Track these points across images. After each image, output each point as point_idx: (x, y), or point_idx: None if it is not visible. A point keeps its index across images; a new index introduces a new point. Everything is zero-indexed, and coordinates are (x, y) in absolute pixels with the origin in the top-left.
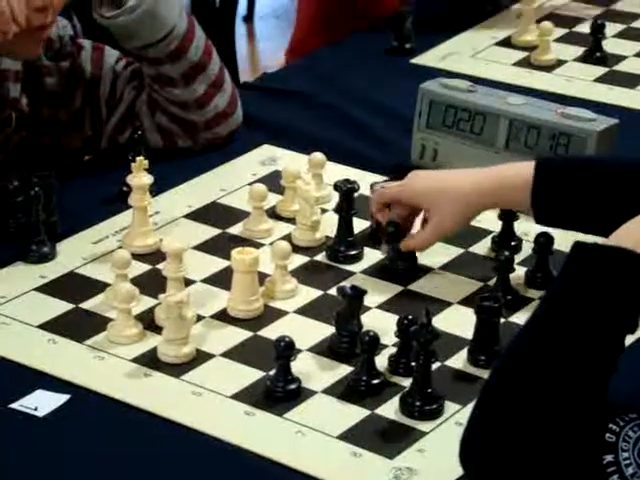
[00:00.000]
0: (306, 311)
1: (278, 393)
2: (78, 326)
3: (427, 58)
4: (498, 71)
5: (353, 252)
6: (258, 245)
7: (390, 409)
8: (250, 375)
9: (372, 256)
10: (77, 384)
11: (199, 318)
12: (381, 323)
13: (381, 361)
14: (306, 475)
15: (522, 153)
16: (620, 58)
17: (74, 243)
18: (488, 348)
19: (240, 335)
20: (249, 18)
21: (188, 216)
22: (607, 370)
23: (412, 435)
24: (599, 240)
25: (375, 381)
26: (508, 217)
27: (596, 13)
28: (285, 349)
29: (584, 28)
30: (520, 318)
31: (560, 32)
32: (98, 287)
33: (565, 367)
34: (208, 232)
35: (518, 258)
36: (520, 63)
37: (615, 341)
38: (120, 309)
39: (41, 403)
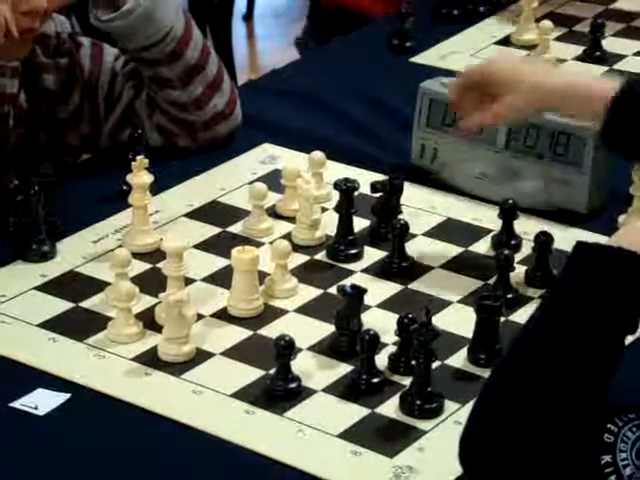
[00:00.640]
0: (306, 310)
1: (278, 392)
2: (78, 325)
3: (427, 57)
4: None
5: (353, 251)
6: (258, 244)
7: (390, 408)
8: (250, 374)
9: (372, 255)
10: (77, 383)
11: (199, 317)
12: (381, 322)
13: (381, 360)
14: (306, 474)
15: (522, 152)
16: (619, 57)
17: (74, 242)
18: (488, 347)
19: (240, 334)
20: (249, 17)
21: (188, 215)
22: (607, 370)
23: (412, 434)
24: (602, 240)
25: (375, 380)
26: (508, 216)
27: (595, 12)
28: (285, 348)
29: (583, 27)
30: (520, 317)
31: (560, 31)
32: (98, 286)
33: (565, 367)
34: (208, 231)
35: (518, 257)
36: None
37: (615, 342)
38: (120, 308)
39: (41, 402)
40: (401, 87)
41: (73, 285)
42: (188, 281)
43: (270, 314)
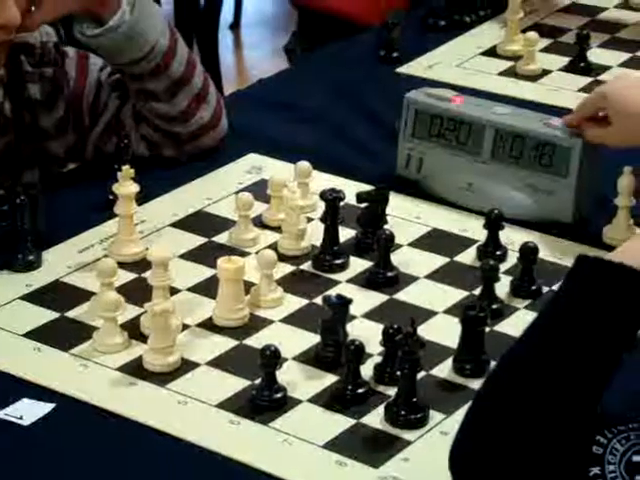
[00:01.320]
0: (292, 320)
1: (264, 402)
2: (63, 335)
3: (413, 67)
4: (484, 81)
5: (339, 261)
6: (244, 254)
7: (375, 418)
8: (236, 384)
9: (358, 265)
10: (62, 393)
11: (184, 327)
12: (366, 332)
13: (366, 370)
14: None
15: (508, 163)
16: (605, 68)
17: (60, 251)
18: (473, 357)
19: (226, 344)
20: (236, 26)
21: (174, 225)
22: (601, 384)
23: (397, 444)
24: (588, 251)
25: (360, 390)
26: (493, 226)
27: (581, 23)
28: (271, 358)
29: (569, 38)
30: (505, 327)
31: (545, 42)
32: (84, 296)
33: (559, 379)
34: (194, 241)
35: (503, 267)
36: (505, 73)
37: (611, 357)
38: (105, 318)
39: (26, 412)
40: (387, 97)
41: (58, 295)
42: (173, 291)
43: (256, 324)
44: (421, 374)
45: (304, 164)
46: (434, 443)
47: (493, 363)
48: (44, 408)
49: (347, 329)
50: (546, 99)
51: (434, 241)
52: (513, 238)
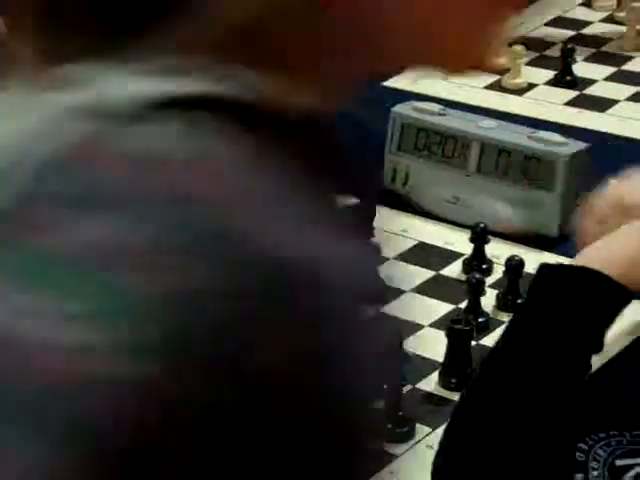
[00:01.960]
0: None
1: None
2: None
3: (399, 81)
4: (469, 94)
5: None
6: None
7: None
8: None
9: None
10: None
11: None
12: None
13: None
14: None
15: (494, 176)
16: (590, 82)
17: None
18: (459, 371)
19: None
20: None
21: None
22: (574, 389)
23: (383, 458)
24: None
25: None
26: (479, 240)
27: (566, 37)
28: None
29: (554, 52)
30: (491, 341)
31: (531, 55)
32: None
33: (532, 388)
34: None
35: (489, 281)
36: (491, 86)
37: (581, 361)
38: None
39: None
40: (373, 111)
41: None
42: None
43: None
44: (407, 388)
45: None
46: (420, 457)
47: None
48: None
49: None
50: (532, 112)
51: (420, 254)
52: (499, 252)
